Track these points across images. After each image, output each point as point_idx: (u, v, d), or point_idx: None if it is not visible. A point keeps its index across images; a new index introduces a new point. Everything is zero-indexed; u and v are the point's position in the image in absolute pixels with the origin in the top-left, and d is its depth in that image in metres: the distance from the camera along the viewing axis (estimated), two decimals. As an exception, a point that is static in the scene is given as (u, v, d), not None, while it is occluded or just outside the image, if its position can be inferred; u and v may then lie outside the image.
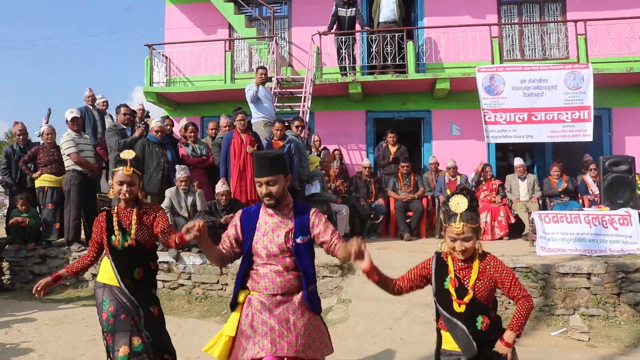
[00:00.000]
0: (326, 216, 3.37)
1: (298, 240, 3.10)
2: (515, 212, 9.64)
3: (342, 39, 11.59)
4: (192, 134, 8.72)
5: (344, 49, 11.65)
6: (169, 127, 9.13)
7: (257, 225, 3.18)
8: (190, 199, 7.61)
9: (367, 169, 10.46)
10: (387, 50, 11.36)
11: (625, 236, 7.66)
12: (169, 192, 7.48)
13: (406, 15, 12.10)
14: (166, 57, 12.82)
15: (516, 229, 9.61)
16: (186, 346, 5.34)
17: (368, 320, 6.15)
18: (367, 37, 11.57)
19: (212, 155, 8.71)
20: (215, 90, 11.93)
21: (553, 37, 12.35)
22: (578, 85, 10.43)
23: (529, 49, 12.38)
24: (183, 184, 7.56)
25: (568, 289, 6.65)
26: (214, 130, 9.45)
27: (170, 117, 10.36)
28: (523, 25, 12.42)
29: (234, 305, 3.27)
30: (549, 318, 6.51)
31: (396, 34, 11.33)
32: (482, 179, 10.19)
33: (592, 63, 10.71)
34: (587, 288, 6.65)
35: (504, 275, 2.86)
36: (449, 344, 2.95)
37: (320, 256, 7.45)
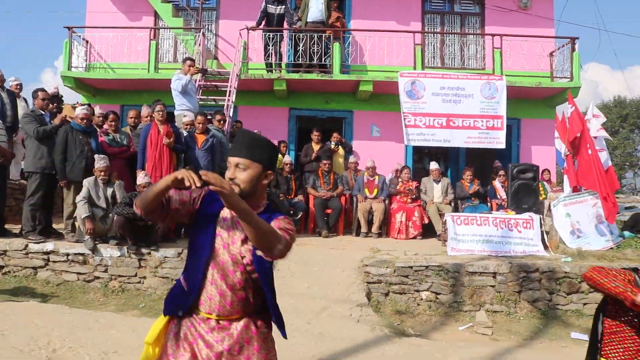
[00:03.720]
0: (288, 222, 2.44)
1: (258, 252, 2.29)
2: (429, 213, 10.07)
3: (269, 35, 11.62)
4: (112, 123, 8.47)
5: (271, 45, 11.69)
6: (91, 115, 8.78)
7: (220, 216, 2.49)
8: (109, 190, 7.41)
9: (288, 165, 10.56)
10: (314, 49, 11.52)
11: (527, 239, 8.24)
12: (86, 182, 7.24)
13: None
14: (87, 41, 12.35)
15: (429, 229, 10.03)
16: (104, 340, 5.21)
17: (287, 315, 6.21)
18: (295, 35, 11.68)
19: (133, 146, 8.50)
20: (137, 79, 11.62)
21: (472, 48, 12.97)
22: (493, 95, 11.01)
23: (449, 58, 12.92)
24: (102, 174, 7.34)
25: (476, 287, 7.06)
26: (134, 120, 9.17)
27: (91, 105, 10.01)
28: (444, 34, 12.95)
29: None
30: (458, 314, 6.88)
31: (323, 34, 11.51)
32: (399, 180, 10.55)
33: (505, 75, 11.34)
34: (493, 286, 7.10)
35: None
36: None
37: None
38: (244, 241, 2.40)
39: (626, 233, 9.02)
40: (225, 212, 2.47)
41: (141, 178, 7.30)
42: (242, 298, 2.46)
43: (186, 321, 2.47)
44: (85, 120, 7.80)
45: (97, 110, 9.24)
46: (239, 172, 2.39)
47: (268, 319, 2.59)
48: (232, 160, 2.42)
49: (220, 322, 2.44)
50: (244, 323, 2.47)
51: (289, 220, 2.43)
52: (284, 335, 2.59)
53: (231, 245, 2.42)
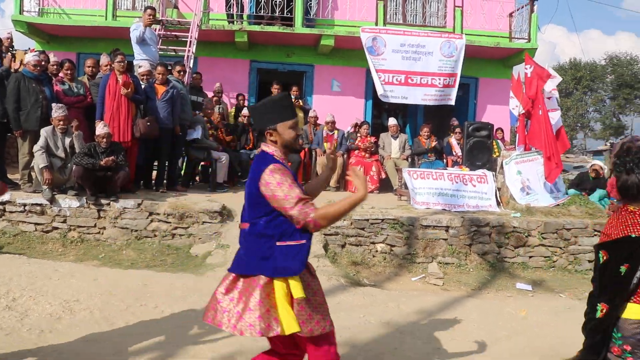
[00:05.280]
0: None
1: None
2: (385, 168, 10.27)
3: (231, -15, 11.42)
4: (68, 72, 8.25)
5: (232, -4, 11.50)
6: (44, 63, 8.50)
7: None
8: (67, 140, 7.29)
9: (247, 117, 10.51)
10: (276, 1, 11.37)
11: (481, 192, 8.55)
12: (44, 132, 7.10)
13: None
14: (39, -16, 11.88)
15: (386, 184, 10.25)
16: (64, 289, 5.22)
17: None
18: (257, -14, 11.48)
19: (90, 96, 8.33)
20: (94, 26, 11.27)
21: (434, 5, 12.99)
22: (452, 54, 11.16)
23: (411, 15, 12.93)
24: (61, 123, 7.20)
25: (429, 240, 7.34)
26: (91, 69, 8.93)
27: (45, 52, 9.69)
28: (407, -10, 12.93)
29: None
30: (411, 265, 7.16)
31: (286, -14, 11.36)
32: (358, 135, 10.69)
33: (465, 34, 11.48)
34: (445, 239, 7.40)
35: None
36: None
37: (201, 202, 7.58)
38: None
39: (571, 191, 9.43)
40: None
41: (100, 128, 7.21)
42: None
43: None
44: (37, 68, 7.61)
45: (52, 57, 8.95)
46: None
47: None
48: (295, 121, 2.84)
49: None
50: None
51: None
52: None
53: None
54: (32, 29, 11.46)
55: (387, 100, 11.46)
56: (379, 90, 11.07)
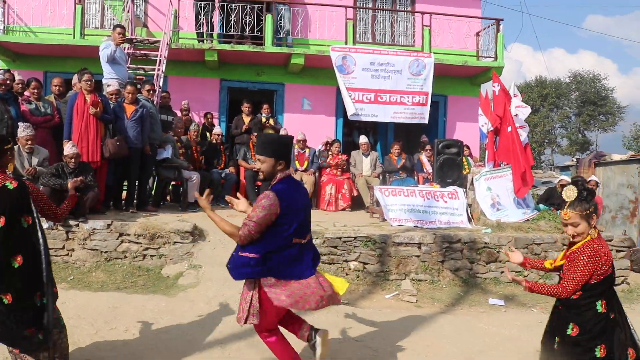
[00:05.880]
0: (262, 199, 3.48)
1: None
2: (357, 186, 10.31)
3: (201, 4, 11.41)
4: (35, 91, 8.11)
5: (202, 15, 11.49)
6: (9, 81, 8.35)
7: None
8: (34, 160, 7.16)
9: (218, 136, 10.48)
10: (246, 20, 11.41)
11: (452, 208, 8.62)
12: (10, 152, 6.95)
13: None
14: (4, 2, 11.69)
15: (358, 202, 10.28)
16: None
17: (219, 285, 6.30)
18: (227, 5, 11.49)
19: (58, 115, 8.19)
20: (62, 45, 11.13)
21: (402, 25, 13.21)
22: (420, 72, 11.34)
23: (380, 34, 13.12)
24: (29, 142, 7.07)
25: (401, 257, 7.34)
26: (58, 88, 8.81)
27: (10, 70, 9.52)
28: (376, 10, 13.10)
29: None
30: (384, 283, 7.15)
31: (255, 6, 11.40)
32: (329, 153, 10.73)
33: (434, 53, 11.67)
34: (418, 256, 7.40)
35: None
36: None
37: (172, 222, 7.48)
38: None
39: (541, 206, 9.58)
40: None
41: (68, 148, 7.07)
42: None
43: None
44: (2, 87, 7.48)
45: (17, 76, 8.80)
46: (261, 164, 3.60)
47: None
48: (257, 157, 3.63)
49: None
50: None
51: (264, 195, 3.47)
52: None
53: None
54: (-3, 47, 11.28)
55: (358, 119, 11.56)
56: (349, 110, 11.17)
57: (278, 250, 3.53)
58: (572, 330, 3.25)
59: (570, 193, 3.26)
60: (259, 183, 10.04)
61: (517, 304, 6.80)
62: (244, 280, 3.68)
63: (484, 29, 12.70)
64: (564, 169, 19.16)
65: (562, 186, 10.02)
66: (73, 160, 7.03)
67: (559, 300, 3.39)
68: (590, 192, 3.25)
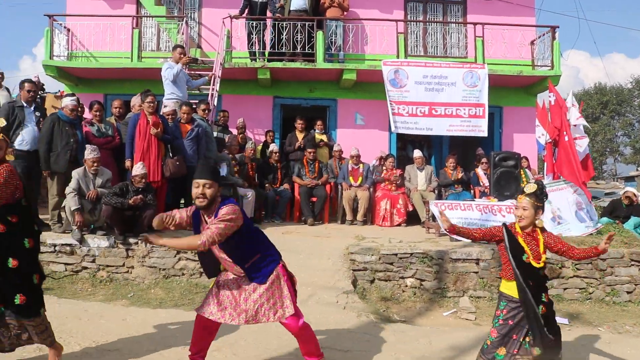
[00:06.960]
0: (226, 211, 3.70)
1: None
2: (412, 201, 10.18)
3: (253, 24, 11.62)
4: (97, 113, 8.41)
5: (254, 34, 11.69)
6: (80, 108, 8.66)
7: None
8: (99, 181, 7.39)
9: (276, 154, 10.60)
10: (297, 38, 11.53)
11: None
12: (76, 173, 7.19)
13: (317, 4, 12.27)
14: (68, 30, 12.22)
15: (413, 217, 10.15)
16: (93, 330, 5.23)
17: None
18: (278, 24, 11.67)
19: (119, 136, 8.46)
20: (120, 68, 11.56)
21: (454, 36, 13.07)
22: (475, 84, 11.15)
23: (432, 47, 13.01)
24: (95, 164, 7.30)
25: (459, 273, 7.20)
26: (118, 109, 9.11)
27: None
28: (427, 23, 13.02)
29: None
30: (442, 300, 7.02)
31: (306, 23, 11.51)
32: (383, 168, 10.66)
33: (487, 64, 11.47)
34: (476, 272, 7.24)
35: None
36: (508, 290, 4.15)
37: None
38: None
39: (604, 219, 9.23)
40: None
41: (138, 169, 7.28)
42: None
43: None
44: (74, 112, 7.77)
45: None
46: (206, 189, 3.71)
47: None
48: (200, 181, 3.70)
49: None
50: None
51: (228, 209, 3.67)
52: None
53: None
54: (62, 73, 11.77)
55: (407, 132, 11.44)
56: (393, 125, 11.07)
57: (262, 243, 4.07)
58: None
59: (531, 187, 4.05)
60: (314, 199, 10.08)
61: (582, 322, 6.53)
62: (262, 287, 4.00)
63: (539, 37, 12.41)
64: (628, 179, 18.41)
65: (628, 198, 9.67)
66: (143, 180, 7.25)
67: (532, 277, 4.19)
68: (545, 195, 4.08)
